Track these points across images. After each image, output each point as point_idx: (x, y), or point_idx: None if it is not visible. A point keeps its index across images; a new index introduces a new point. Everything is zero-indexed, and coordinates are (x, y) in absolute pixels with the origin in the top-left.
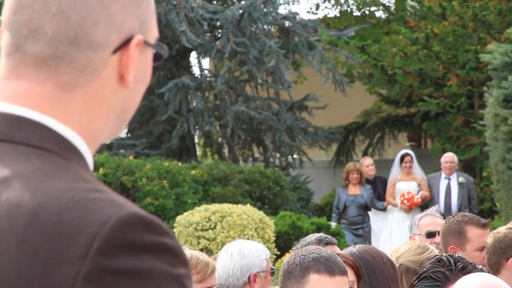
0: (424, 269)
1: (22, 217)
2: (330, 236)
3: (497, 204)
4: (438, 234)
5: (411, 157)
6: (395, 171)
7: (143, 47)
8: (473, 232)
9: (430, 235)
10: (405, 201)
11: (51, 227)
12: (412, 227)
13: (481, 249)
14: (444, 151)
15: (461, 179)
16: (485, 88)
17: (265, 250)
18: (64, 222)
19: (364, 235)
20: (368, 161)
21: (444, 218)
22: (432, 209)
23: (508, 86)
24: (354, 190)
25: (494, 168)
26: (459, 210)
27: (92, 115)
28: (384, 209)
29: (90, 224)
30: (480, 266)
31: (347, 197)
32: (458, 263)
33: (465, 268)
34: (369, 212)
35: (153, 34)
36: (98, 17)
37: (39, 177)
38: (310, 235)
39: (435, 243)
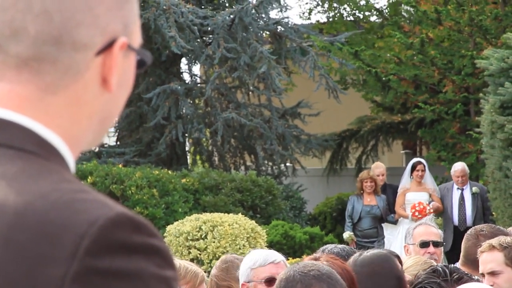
0: (419, 280)
1: (7, 218)
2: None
3: (493, 213)
4: (432, 244)
5: (424, 166)
6: (405, 180)
7: (126, 51)
8: None
9: (424, 245)
10: (416, 213)
11: (38, 227)
12: (407, 237)
13: None
14: (440, 158)
15: (474, 189)
16: (481, 95)
17: (254, 260)
18: (51, 222)
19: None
20: (379, 170)
21: (457, 230)
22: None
23: (505, 93)
24: (369, 200)
25: (491, 176)
26: (474, 222)
27: (74, 118)
28: (395, 222)
29: (77, 224)
30: (476, 277)
31: (363, 207)
32: (454, 274)
33: (461, 279)
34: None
35: (137, 38)
36: (83, 18)
37: (23, 178)
38: (334, 245)
39: (428, 253)
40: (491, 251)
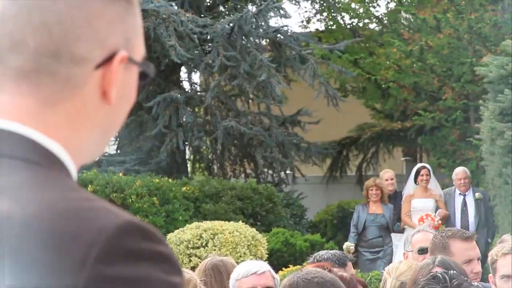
0: (419, 286)
1: (15, 228)
2: (348, 255)
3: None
4: None
5: (428, 170)
6: (410, 186)
7: (127, 64)
8: (456, 246)
9: (422, 251)
10: None
11: (46, 237)
12: (405, 244)
13: (467, 262)
14: (440, 165)
15: (477, 194)
16: (481, 102)
17: (238, 271)
18: (59, 231)
19: (384, 257)
20: (388, 174)
21: None
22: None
23: (504, 100)
24: (375, 208)
25: (491, 183)
26: (477, 228)
27: (74, 130)
28: (402, 231)
29: (86, 232)
30: (476, 283)
31: (367, 216)
32: (453, 280)
33: (461, 285)
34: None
35: (139, 51)
36: (82, 31)
37: (29, 189)
38: (325, 251)
39: None
40: (506, 256)
